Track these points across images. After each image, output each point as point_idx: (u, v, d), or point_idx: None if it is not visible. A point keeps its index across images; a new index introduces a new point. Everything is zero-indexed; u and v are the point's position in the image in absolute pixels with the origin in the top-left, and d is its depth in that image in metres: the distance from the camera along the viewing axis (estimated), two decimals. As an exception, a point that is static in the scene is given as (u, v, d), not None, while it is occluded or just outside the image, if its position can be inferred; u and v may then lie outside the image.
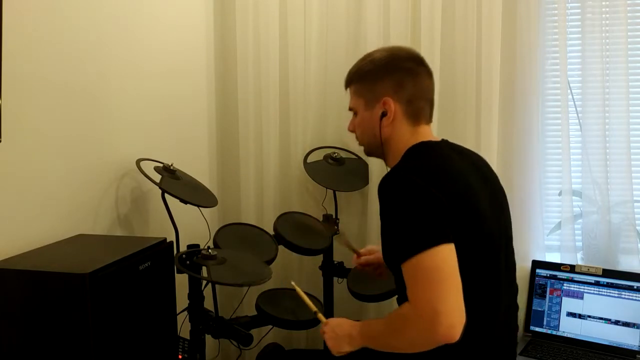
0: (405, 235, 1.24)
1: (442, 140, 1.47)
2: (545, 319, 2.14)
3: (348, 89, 1.53)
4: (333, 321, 1.46)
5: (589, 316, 2.08)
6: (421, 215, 1.23)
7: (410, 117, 1.43)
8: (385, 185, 1.30)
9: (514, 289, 1.49)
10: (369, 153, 1.56)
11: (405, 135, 1.43)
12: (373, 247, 1.77)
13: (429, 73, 1.46)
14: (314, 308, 1.56)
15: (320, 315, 1.52)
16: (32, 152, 1.51)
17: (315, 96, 2.37)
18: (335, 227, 2.29)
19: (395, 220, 1.27)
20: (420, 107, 1.44)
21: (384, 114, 1.42)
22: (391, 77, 1.42)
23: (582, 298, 2.10)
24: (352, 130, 1.55)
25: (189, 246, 1.80)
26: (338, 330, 1.41)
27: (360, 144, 1.55)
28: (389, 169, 1.37)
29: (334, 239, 2.21)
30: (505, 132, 2.19)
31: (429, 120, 1.47)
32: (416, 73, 1.43)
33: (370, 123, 1.45)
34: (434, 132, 1.52)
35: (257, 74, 2.38)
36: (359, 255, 1.76)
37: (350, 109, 1.53)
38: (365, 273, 1.77)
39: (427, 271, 1.19)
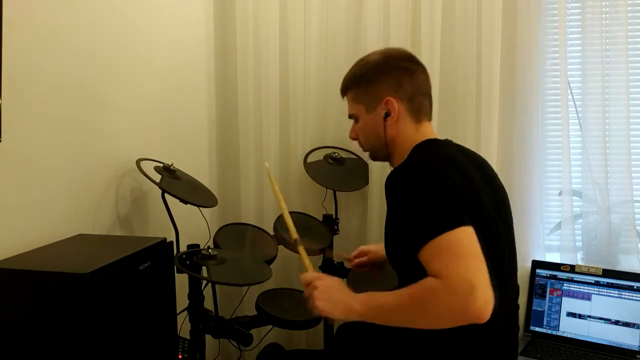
0: (425, 220, 1.19)
1: (446, 139, 1.48)
2: (545, 319, 2.14)
3: (345, 97, 1.52)
4: (327, 281, 1.34)
5: (589, 316, 2.08)
6: (440, 201, 1.20)
7: (413, 114, 1.43)
8: (396, 178, 1.28)
9: (516, 288, 1.49)
10: (374, 157, 1.55)
11: (410, 133, 1.43)
12: (363, 248, 1.78)
13: (423, 69, 1.47)
14: (294, 235, 1.44)
15: (303, 252, 1.39)
16: (32, 152, 1.51)
17: (315, 96, 2.36)
18: (336, 227, 2.30)
19: (411, 209, 1.22)
20: (420, 103, 1.44)
21: (387, 114, 1.41)
22: (389, 77, 1.42)
23: (582, 298, 2.10)
24: (354, 137, 1.54)
25: (189, 246, 1.80)
26: (334, 295, 1.30)
27: (365, 149, 1.54)
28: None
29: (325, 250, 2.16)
30: (505, 132, 2.19)
31: (429, 116, 1.48)
32: (412, 70, 1.44)
33: (373, 126, 1.45)
34: (434, 132, 1.52)
35: (257, 74, 2.38)
36: (350, 259, 1.78)
37: (350, 117, 1.52)
38: (363, 274, 1.78)
39: (457, 246, 1.14)
